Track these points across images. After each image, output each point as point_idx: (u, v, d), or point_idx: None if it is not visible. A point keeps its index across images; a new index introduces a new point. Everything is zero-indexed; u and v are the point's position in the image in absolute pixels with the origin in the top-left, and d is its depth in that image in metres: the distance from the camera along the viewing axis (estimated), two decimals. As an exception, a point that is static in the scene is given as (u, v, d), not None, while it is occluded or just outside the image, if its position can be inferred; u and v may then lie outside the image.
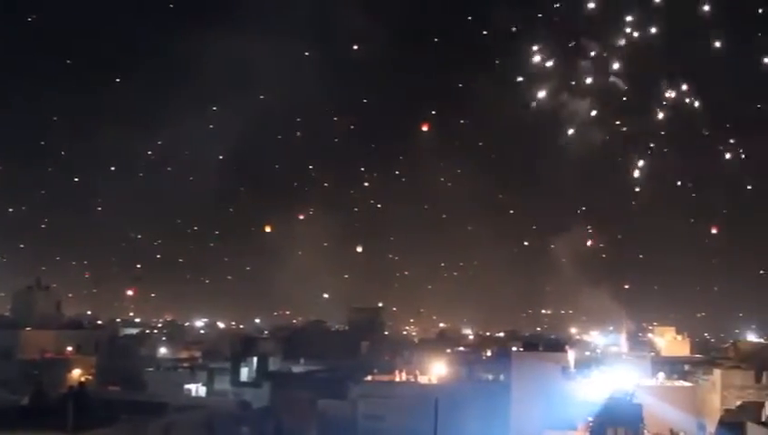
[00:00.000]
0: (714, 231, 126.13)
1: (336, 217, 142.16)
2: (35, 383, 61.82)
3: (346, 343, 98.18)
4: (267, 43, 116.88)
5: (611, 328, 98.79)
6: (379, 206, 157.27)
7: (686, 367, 70.75)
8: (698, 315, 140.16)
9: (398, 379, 70.53)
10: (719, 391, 58.57)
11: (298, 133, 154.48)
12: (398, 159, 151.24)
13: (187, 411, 54.55)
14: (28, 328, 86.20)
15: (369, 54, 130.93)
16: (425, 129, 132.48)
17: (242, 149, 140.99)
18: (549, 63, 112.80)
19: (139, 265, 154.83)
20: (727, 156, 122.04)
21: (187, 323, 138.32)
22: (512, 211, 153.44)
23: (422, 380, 69.55)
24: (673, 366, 69.75)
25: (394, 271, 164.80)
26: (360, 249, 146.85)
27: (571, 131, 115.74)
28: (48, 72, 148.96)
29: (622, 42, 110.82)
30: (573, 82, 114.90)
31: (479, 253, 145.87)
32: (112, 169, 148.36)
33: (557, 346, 69.53)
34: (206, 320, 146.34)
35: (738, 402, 54.88)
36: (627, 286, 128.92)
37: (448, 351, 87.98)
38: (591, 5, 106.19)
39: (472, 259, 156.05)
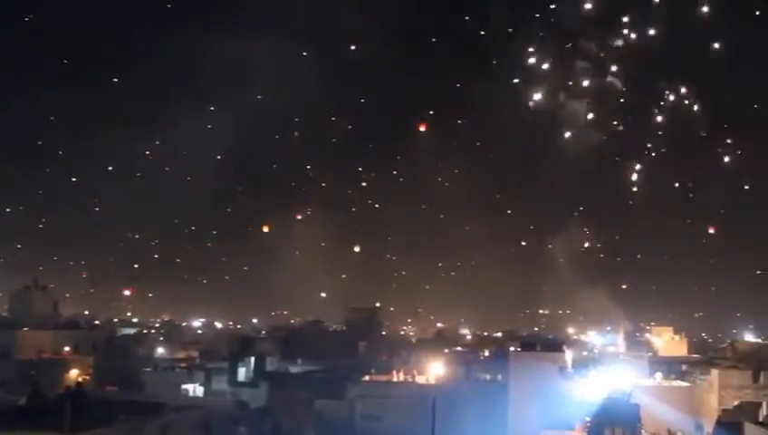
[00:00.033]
0: (711, 231, 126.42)
1: (334, 217, 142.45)
2: (32, 383, 61.68)
3: (344, 343, 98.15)
4: (265, 44, 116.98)
5: (609, 328, 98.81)
6: (376, 206, 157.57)
7: (684, 367, 70.75)
8: (696, 315, 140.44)
9: (395, 379, 70.49)
10: (717, 391, 58.55)
11: (296, 133, 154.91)
12: (395, 159, 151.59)
13: (185, 411, 54.47)
14: (25, 328, 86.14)
15: (366, 54, 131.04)
16: (422, 129, 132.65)
17: (239, 149, 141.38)
18: (546, 64, 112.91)
19: (136, 266, 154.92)
20: (725, 156, 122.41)
21: (184, 324, 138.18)
22: (509, 211, 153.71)
23: (420, 380, 69.53)
24: (670, 366, 69.76)
25: (392, 271, 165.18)
26: (357, 249, 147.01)
27: (568, 132, 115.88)
28: (46, 72, 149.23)
29: (620, 42, 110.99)
30: (571, 83, 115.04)
31: (477, 253, 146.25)
32: (110, 169, 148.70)
33: (555, 346, 69.48)
34: (203, 320, 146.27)
35: (736, 402, 54.84)
36: (624, 286, 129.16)
37: (446, 351, 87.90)
38: (588, 6, 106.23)
39: (470, 259, 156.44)
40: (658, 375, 63.83)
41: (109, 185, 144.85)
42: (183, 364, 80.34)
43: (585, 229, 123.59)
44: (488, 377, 70.72)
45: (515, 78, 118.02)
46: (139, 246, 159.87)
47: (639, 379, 61.47)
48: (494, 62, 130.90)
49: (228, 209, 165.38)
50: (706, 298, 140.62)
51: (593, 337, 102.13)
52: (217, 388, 71.77)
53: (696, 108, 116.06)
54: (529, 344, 71.64)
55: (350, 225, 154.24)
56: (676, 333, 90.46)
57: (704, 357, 79.88)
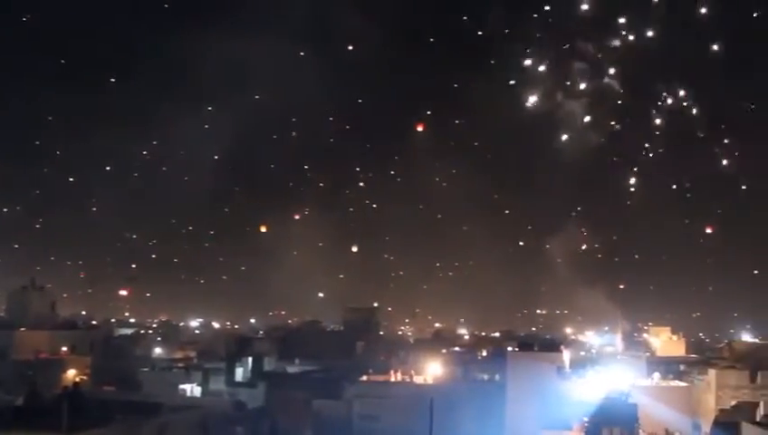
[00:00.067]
0: (709, 231, 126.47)
1: (331, 217, 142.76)
2: (30, 384, 61.71)
3: (341, 343, 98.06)
4: (263, 44, 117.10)
5: (607, 328, 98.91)
6: (374, 206, 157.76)
7: (682, 367, 70.69)
8: (693, 315, 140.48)
9: (393, 379, 70.42)
10: (714, 391, 58.50)
11: (293, 133, 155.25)
12: (393, 159, 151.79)
13: (182, 412, 54.42)
14: (23, 328, 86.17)
15: (364, 55, 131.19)
16: (420, 129, 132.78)
17: (237, 149, 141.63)
18: (544, 65, 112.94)
19: (134, 266, 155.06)
20: (722, 156, 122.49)
21: (182, 324, 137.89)
22: (507, 211, 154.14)
23: (417, 380, 69.49)
24: (668, 366, 69.71)
25: (389, 271, 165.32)
26: (355, 249, 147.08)
27: (566, 132, 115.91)
28: (43, 72, 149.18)
29: (617, 42, 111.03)
30: (568, 83, 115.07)
31: (474, 253, 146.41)
32: (108, 169, 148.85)
33: (552, 346, 69.45)
34: (201, 320, 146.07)
35: (733, 402, 54.85)
36: (622, 286, 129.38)
37: (444, 351, 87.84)
38: (585, 7, 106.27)
39: (467, 259, 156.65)
40: (656, 375, 63.85)
41: (106, 185, 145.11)
42: (180, 364, 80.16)
43: (583, 229, 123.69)
44: (486, 377, 70.71)
45: (513, 78, 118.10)
46: (137, 247, 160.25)
47: (637, 379, 61.49)
48: (492, 62, 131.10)
49: (226, 209, 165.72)
50: (704, 298, 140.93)
51: (591, 337, 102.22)
52: (215, 388, 71.65)
53: (693, 109, 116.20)
54: (527, 344, 71.62)
55: (348, 225, 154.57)
56: (673, 333, 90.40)
57: (701, 357, 79.83)
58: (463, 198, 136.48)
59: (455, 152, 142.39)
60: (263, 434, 58.93)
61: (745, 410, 49.75)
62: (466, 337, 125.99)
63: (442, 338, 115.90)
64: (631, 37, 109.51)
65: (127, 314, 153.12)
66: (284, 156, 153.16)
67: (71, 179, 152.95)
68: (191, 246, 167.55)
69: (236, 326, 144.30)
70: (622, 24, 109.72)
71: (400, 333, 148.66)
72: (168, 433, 48.38)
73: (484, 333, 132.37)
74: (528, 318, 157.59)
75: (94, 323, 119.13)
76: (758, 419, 47.00)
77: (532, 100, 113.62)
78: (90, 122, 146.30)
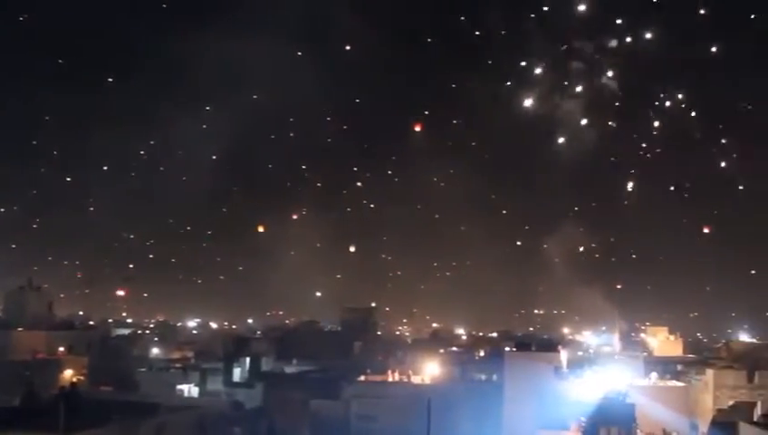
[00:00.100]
0: (706, 231, 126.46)
1: (329, 217, 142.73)
2: (27, 384, 61.54)
3: (339, 343, 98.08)
4: (260, 44, 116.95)
5: (604, 328, 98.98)
6: (371, 206, 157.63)
7: (679, 367, 70.81)
8: (691, 315, 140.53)
9: (390, 379, 70.46)
10: (711, 390, 58.63)
11: (291, 133, 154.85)
12: (390, 159, 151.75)
13: (180, 412, 54.32)
14: (20, 328, 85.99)
15: (361, 55, 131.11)
16: (418, 129, 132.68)
17: (235, 149, 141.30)
18: (541, 65, 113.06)
19: (131, 266, 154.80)
20: (719, 157, 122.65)
21: (179, 324, 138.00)
22: (504, 211, 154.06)
23: (415, 380, 69.54)
24: (665, 366, 69.83)
25: (387, 271, 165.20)
26: (352, 249, 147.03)
27: (563, 133, 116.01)
28: (40, 72, 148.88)
29: (614, 43, 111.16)
30: (566, 83, 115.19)
31: (472, 253, 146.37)
32: (105, 168, 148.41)
33: (550, 346, 69.53)
34: (198, 320, 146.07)
35: (730, 402, 55.01)
36: (619, 286, 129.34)
37: (441, 351, 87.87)
38: (583, 8, 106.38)
39: (465, 259, 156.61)
40: (653, 375, 63.95)
41: (104, 185, 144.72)
42: (178, 365, 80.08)
43: (580, 229, 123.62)
44: (483, 377, 70.71)
45: (510, 78, 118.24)
46: (134, 247, 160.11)
47: (635, 379, 61.58)
48: (489, 62, 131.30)
49: (223, 209, 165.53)
50: (701, 298, 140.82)
51: (588, 337, 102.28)
52: (212, 388, 71.57)
53: (690, 109, 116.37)
54: (524, 344, 71.62)
55: (346, 225, 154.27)
56: (671, 333, 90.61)
57: (699, 357, 79.97)
58: (460, 198, 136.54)
59: (452, 152, 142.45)
60: (260, 434, 58.87)
61: (743, 410, 49.83)
62: (464, 337, 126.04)
63: (439, 338, 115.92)
64: (629, 39, 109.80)
65: (124, 314, 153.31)
66: (282, 156, 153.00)
67: (68, 179, 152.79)
68: (189, 247, 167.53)
69: (234, 326, 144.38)
70: (620, 24, 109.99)
71: (398, 333, 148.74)
72: (166, 433, 48.28)
73: (481, 334, 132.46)
74: (525, 318, 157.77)
75: (91, 323, 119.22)
76: (755, 418, 47.07)
77: (529, 100, 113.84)
78: (87, 122, 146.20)
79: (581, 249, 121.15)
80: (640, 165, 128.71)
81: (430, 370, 70.90)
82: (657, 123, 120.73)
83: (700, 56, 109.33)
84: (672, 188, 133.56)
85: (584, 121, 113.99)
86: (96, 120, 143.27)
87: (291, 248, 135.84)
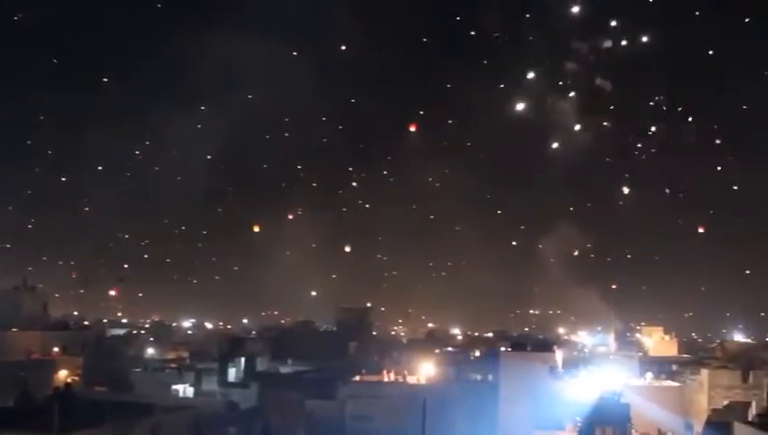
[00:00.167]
0: (701, 231, 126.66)
1: (324, 217, 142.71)
2: (21, 385, 61.59)
3: (334, 343, 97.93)
4: (255, 44, 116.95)
5: (599, 328, 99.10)
6: (367, 206, 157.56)
7: (674, 367, 70.93)
8: (686, 315, 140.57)
9: (386, 379, 70.44)
10: (706, 390, 58.70)
11: (286, 133, 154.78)
12: (386, 159, 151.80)
13: (175, 412, 54.33)
14: (14, 329, 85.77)
15: (357, 55, 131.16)
16: (413, 129, 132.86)
17: (230, 149, 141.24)
18: (537, 65, 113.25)
19: (126, 266, 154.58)
20: (715, 157, 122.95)
21: (174, 324, 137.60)
22: (500, 211, 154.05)
23: (410, 380, 69.51)
24: (661, 366, 69.93)
25: (382, 271, 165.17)
26: (348, 249, 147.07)
27: (558, 133, 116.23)
28: (35, 72, 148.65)
29: (609, 43, 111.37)
30: (561, 84, 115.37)
31: (467, 253, 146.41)
32: (100, 168, 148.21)
33: (545, 346, 69.57)
34: (193, 320, 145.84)
35: (725, 402, 54.98)
36: (614, 286, 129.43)
37: (437, 351, 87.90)
38: (578, 8, 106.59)
39: (460, 259, 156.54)
40: (649, 375, 63.97)
41: (98, 185, 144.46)
42: (173, 365, 79.98)
43: (575, 230, 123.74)
44: (479, 377, 70.74)
45: (506, 79, 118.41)
46: (129, 247, 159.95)
47: (630, 379, 61.59)
48: (485, 62, 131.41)
49: (219, 209, 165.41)
50: (696, 298, 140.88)
51: (584, 337, 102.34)
52: (207, 388, 71.51)
53: (685, 109, 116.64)
54: (520, 344, 71.65)
55: (341, 225, 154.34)
56: (666, 333, 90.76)
57: (694, 357, 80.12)
58: (456, 198, 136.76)
59: (447, 152, 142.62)
60: (255, 434, 58.81)
61: (737, 410, 49.83)
62: (459, 337, 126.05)
63: (435, 338, 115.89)
64: (624, 38, 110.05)
65: (119, 314, 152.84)
66: (277, 156, 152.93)
67: (63, 179, 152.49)
68: (184, 246, 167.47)
69: (229, 326, 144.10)
70: (615, 26, 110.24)
71: (393, 333, 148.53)
72: (161, 434, 48.27)
73: (477, 334, 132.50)
74: (521, 318, 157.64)
75: (86, 323, 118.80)
76: (750, 418, 47.06)
77: (524, 100, 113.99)
78: (82, 122, 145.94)
79: (577, 250, 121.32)
80: (635, 165, 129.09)
81: (426, 370, 70.85)
82: (652, 124, 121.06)
83: (697, 57, 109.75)
84: (666, 187, 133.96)
85: (579, 122, 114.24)
86: (91, 119, 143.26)
87: (286, 248, 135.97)
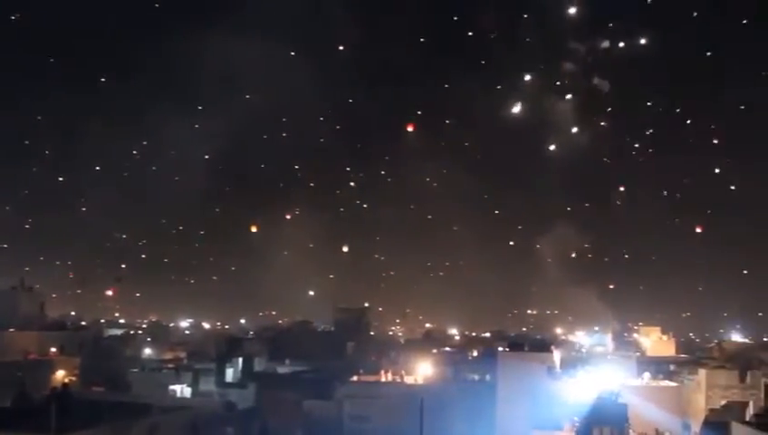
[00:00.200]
0: (698, 231, 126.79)
1: (322, 217, 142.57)
2: (18, 385, 61.45)
3: (332, 343, 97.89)
4: (253, 44, 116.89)
5: (597, 328, 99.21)
6: (365, 206, 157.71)
7: (672, 367, 70.97)
8: (683, 315, 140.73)
9: (383, 379, 70.42)
10: (704, 390, 58.74)
11: (284, 133, 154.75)
12: (384, 159, 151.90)
13: (172, 412, 54.27)
14: (11, 329, 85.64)
15: (354, 55, 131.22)
16: (411, 129, 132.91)
17: (228, 149, 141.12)
18: (534, 65, 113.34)
19: (123, 266, 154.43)
20: (712, 156, 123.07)
21: (171, 324, 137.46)
22: (497, 211, 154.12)
23: (408, 380, 69.50)
24: (658, 366, 69.94)
25: (380, 271, 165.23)
26: (345, 249, 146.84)
27: (556, 133, 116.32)
28: (32, 72, 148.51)
29: (606, 44, 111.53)
30: (558, 84, 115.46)
31: (465, 253, 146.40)
32: (97, 168, 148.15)
33: (543, 346, 69.51)
34: (191, 320, 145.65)
35: (723, 402, 55.06)
36: (612, 286, 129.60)
37: (434, 351, 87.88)
38: (575, 9, 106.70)
39: (458, 259, 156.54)
40: (646, 375, 63.97)
41: (96, 185, 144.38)
42: (170, 365, 79.85)
43: (573, 230, 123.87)
44: (476, 377, 70.73)
45: (503, 79, 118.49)
46: (127, 247, 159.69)
47: (627, 379, 61.60)
48: (483, 62, 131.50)
49: (216, 209, 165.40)
50: (694, 298, 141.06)
51: (581, 337, 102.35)
52: (205, 389, 71.35)
53: (682, 110, 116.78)
54: (517, 345, 71.63)
55: (339, 225, 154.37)
56: (663, 333, 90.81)
57: (691, 357, 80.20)
58: (453, 198, 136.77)
59: (445, 153, 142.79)
60: (253, 435, 58.84)
61: (735, 410, 49.91)
62: (457, 337, 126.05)
63: (433, 338, 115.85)
64: (622, 39, 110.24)
65: (116, 314, 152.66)
66: (275, 156, 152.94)
67: (60, 179, 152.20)
68: (181, 247, 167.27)
69: (227, 327, 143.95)
70: (612, 27, 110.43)
71: (391, 333, 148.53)
72: (158, 434, 48.20)
73: (474, 334, 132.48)
74: (518, 318, 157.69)
75: (83, 323, 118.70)
76: (747, 418, 47.13)
77: (522, 100, 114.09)
78: (79, 122, 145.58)
79: (574, 250, 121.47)
80: (633, 165, 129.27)
81: (423, 370, 70.85)
82: (649, 124, 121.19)
83: (694, 58, 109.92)
84: (664, 187, 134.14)
85: (577, 122, 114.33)
86: (88, 119, 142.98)
87: (284, 248, 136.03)
